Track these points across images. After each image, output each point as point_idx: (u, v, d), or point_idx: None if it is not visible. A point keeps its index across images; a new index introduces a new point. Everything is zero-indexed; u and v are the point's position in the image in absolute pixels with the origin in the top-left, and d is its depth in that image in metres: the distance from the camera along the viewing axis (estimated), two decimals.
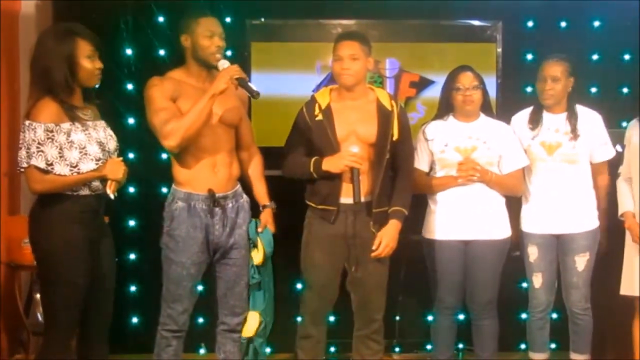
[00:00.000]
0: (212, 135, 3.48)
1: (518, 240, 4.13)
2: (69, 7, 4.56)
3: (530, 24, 4.80)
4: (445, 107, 4.02)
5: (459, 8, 4.77)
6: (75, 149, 3.21)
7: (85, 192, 3.26)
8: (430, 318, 4.28)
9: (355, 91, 3.66)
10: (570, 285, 4.09)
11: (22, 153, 3.17)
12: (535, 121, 4.10)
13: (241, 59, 4.50)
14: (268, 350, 4.48)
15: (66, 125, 3.20)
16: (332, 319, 4.07)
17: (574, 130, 4.04)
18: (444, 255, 3.96)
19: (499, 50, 4.79)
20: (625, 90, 4.82)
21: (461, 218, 3.92)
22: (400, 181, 3.72)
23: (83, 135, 3.24)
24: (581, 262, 4.06)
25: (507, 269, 4.05)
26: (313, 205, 3.71)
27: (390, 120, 3.66)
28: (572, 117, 4.07)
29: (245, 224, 3.61)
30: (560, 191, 4.05)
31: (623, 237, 4.10)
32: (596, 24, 4.80)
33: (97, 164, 3.25)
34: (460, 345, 4.60)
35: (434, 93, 4.47)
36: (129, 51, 4.63)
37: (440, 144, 3.97)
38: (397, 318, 4.76)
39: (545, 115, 4.11)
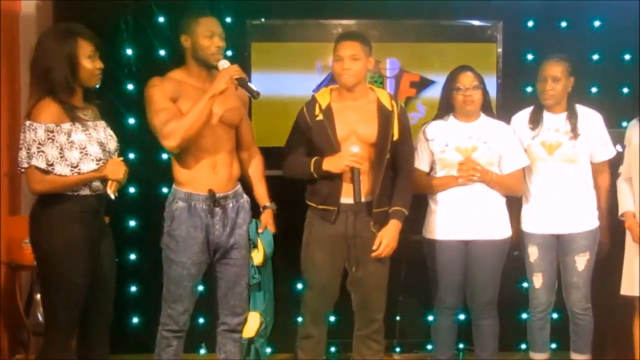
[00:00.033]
0: (212, 135, 3.48)
1: (518, 240, 4.13)
2: (69, 7, 4.56)
3: (530, 24, 4.80)
4: (446, 107, 4.02)
5: (459, 8, 4.77)
6: (76, 149, 3.21)
7: (85, 192, 3.26)
8: (430, 318, 4.28)
9: (356, 91, 3.66)
10: (570, 285, 4.09)
11: (23, 153, 3.17)
12: (535, 121, 4.10)
13: (241, 59, 4.50)
14: (268, 350, 4.50)
15: (67, 126, 3.20)
16: (332, 319, 4.06)
17: (574, 129, 4.05)
18: (445, 255, 3.96)
19: (500, 50, 4.79)
20: (625, 90, 4.82)
21: (461, 218, 3.93)
22: (401, 181, 3.72)
23: (83, 136, 3.24)
24: (581, 262, 4.06)
25: (508, 269, 4.05)
26: (313, 205, 3.71)
27: (391, 120, 3.66)
28: (572, 117, 4.07)
29: (246, 224, 3.61)
30: (561, 191, 4.05)
31: (623, 237, 4.10)
32: (596, 24, 4.80)
33: (97, 164, 3.25)
34: (461, 345, 4.60)
35: (434, 93, 4.47)
36: (129, 51, 4.63)
37: (441, 144, 3.97)
38: (398, 318, 4.76)
39: (546, 115, 4.11)
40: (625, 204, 4.07)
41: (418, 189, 3.90)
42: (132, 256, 4.67)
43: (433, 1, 4.77)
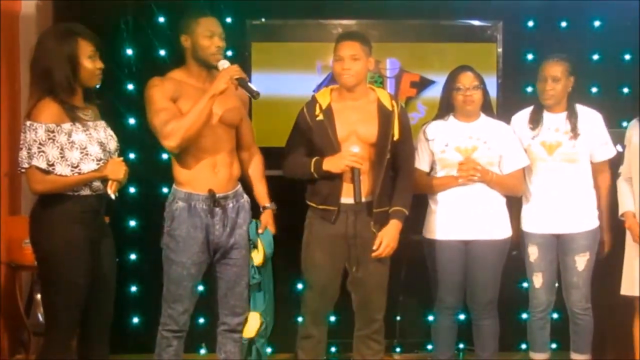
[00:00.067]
0: (212, 135, 3.48)
1: (518, 240, 4.13)
2: (69, 7, 4.56)
3: (530, 24, 4.80)
4: (446, 107, 4.02)
5: (459, 8, 4.77)
6: (76, 150, 3.21)
7: (86, 192, 3.26)
8: (430, 318, 4.28)
9: (356, 91, 3.66)
10: (570, 285, 4.09)
11: (23, 153, 3.17)
12: (535, 121, 4.10)
13: (241, 59, 4.50)
14: (269, 350, 4.50)
15: (67, 126, 3.20)
16: (332, 319, 4.06)
17: (574, 129, 4.05)
18: (445, 255, 3.96)
19: (500, 50, 4.79)
20: (625, 90, 4.82)
21: (462, 218, 3.93)
22: (401, 181, 3.72)
23: (84, 136, 3.24)
24: (581, 261, 4.06)
25: (508, 269, 4.05)
26: (314, 205, 3.71)
27: (391, 120, 3.66)
28: (572, 117, 4.07)
29: (246, 224, 3.61)
30: (561, 191, 4.05)
31: (623, 237, 4.10)
32: (596, 24, 4.80)
33: (98, 164, 3.25)
34: (461, 345, 4.60)
35: (434, 93, 4.47)
36: (129, 51, 4.63)
37: (441, 144, 3.97)
38: (398, 318, 4.76)
39: (546, 114, 4.11)
40: (625, 204, 4.07)
41: (418, 189, 3.90)
42: (133, 256, 4.67)
43: (433, 1, 4.77)
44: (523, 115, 4.17)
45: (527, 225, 4.12)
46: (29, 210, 3.42)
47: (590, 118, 4.11)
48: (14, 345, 4.53)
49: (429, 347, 4.50)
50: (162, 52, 4.60)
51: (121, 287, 3.87)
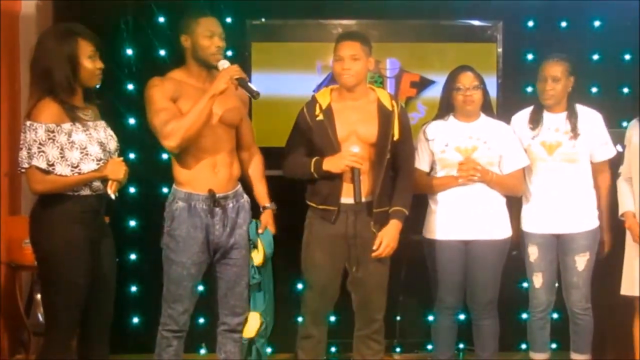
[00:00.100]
0: (212, 135, 3.48)
1: (519, 240, 4.13)
2: (69, 7, 4.56)
3: (530, 23, 4.80)
4: (446, 107, 4.02)
5: (459, 8, 4.77)
6: (76, 150, 3.21)
7: (86, 192, 3.26)
8: (430, 318, 4.28)
9: (356, 91, 3.66)
10: (570, 285, 4.09)
11: (23, 153, 3.17)
12: (535, 121, 4.10)
13: (241, 59, 4.50)
14: (269, 350, 4.50)
15: (67, 126, 3.20)
16: (332, 319, 4.06)
17: (574, 129, 4.05)
18: (445, 255, 3.96)
19: (500, 50, 4.80)
20: (625, 90, 4.82)
21: (462, 218, 3.93)
22: (401, 181, 3.72)
23: (84, 136, 3.24)
24: (581, 261, 4.06)
25: (508, 269, 4.05)
26: (314, 205, 3.71)
27: (391, 120, 3.66)
28: (572, 117, 4.07)
29: (246, 224, 3.61)
30: (561, 191, 4.05)
31: (623, 237, 4.10)
32: (596, 24, 4.80)
33: (98, 164, 3.25)
34: (461, 345, 4.60)
35: (434, 93, 4.47)
36: (129, 51, 4.63)
37: (441, 144, 3.97)
38: (398, 318, 4.76)
39: (546, 114, 4.11)
40: (626, 204, 4.07)
41: (418, 189, 3.90)
42: (133, 256, 4.67)
43: (433, 1, 4.77)
44: (523, 115, 4.17)
45: (527, 225, 4.12)
46: (29, 210, 3.42)
47: (590, 118, 4.11)
48: (14, 345, 4.53)
49: (429, 347, 4.50)
50: (162, 52, 4.60)
51: (121, 287, 3.87)
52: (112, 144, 3.37)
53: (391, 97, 3.74)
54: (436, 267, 3.99)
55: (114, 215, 3.94)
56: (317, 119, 3.66)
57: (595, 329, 4.15)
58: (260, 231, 3.75)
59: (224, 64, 3.44)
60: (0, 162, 4.34)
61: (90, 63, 3.26)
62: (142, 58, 4.63)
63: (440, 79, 4.16)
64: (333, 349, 4.65)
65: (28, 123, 3.17)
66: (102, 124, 3.38)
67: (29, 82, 3.30)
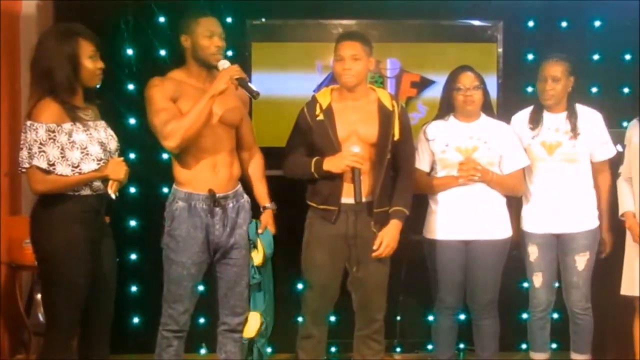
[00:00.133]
0: (212, 135, 3.48)
1: (519, 240, 4.13)
2: (69, 7, 4.56)
3: (530, 23, 4.80)
4: (446, 107, 4.02)
5: (459, 8, 4.77)
6: (77, 149, 3.21)
7: (86, 192, 3.26)
8: (431, 318, 4.28)
9: (357, 91, 3.66)
10: (570, 285, 4.10)
11: (24, 153, 3.17)
12: (535, 121, 4.10)
13: (242, 59, 4.50)
14: (269, 350, 4.50)
15: (67, 126, 3.20)
16: (333, 319, 4.06)
17: (573, 129, 4.05)
18: (445, 255, 3.96)
19: (500, 50, 4.79)
20: (625, 90, 4.82)
21: (462, 218, 3.93)
22: (401, 181, 3.72)
23: (84, 136, 3.24)
24: (581, 261, 4.06)
25: (508, 269, 4.05)
26: (314, 205, 3.71)
27: (392, 120, 3.66)
28: (572, 116, 4.07)
29: (246, 224, 3.61)
30: (561, 190, 4.05)
31: (623, 237, 4.10)
32: (597, 24, 4.80)
33: (98, 164, 3.25)
34: (461, 345, 4.60)
35: (434, 93, 4.47)
36: (129, 51, 4.63)
37: (441, 144, 3.97)
38: (398, 318, 4.76)
39: (545, 114, 4.11)
40: (626, 204, 4.07)
41: (419, 189, 3.90)
42: (133, 256, 4.67)
43: (433, 1, 4.77)
44: (523, 115, 4.17)
45: (527, 225, 4.13)
46: (29, 210, 3.42)
47: (590, 118, 4.11)
48: (15, 345, 4.53)
49: (429, 347, 4.50)
50: (162, 52, 4.60)
51: (121, 287, 3.86)
52: (113, 143, 3.37)
53: (391, 97, 3.74)
54: (436, 267, 3.99)
55: (115, 215, 3.94)
56: (318, 119, 3.66)
57: (595, 329, 4.15)
58: (260, 231, 3.75)
59: (224, 64, 3.44)
60: (1, 162, 4.34)
61: (90, 63, 3.26)
62: (142, 58, 4.63)
63: (441, 79, 4.16)
64: (333, 349, 4.65)
65: (29, 123, 3.17)
66: (102, 123, 3.38)
67: (30, 82, 3.30)
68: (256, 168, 3.74)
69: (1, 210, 4.36)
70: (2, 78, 4.39)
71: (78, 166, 3.21)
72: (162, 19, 4.63)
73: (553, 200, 4.05)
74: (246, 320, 3.72)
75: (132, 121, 4.56)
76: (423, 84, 4.79)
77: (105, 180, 3.28)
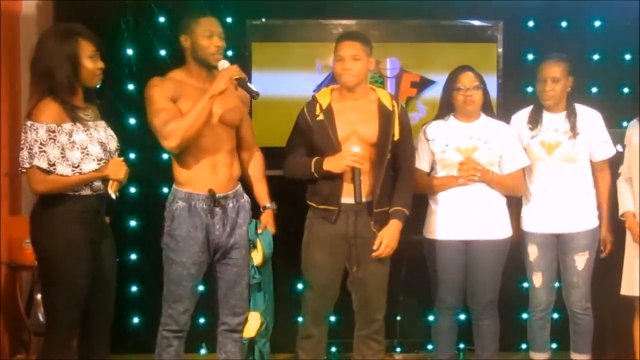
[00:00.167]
0: (212, 135, 3.48)
1: (519, 239, 4.13)
2: (69, 7, 4.56)
3: (530, 23, 4.80)
4: (446, 107, 4.02)
5: (459, 8, 4.77)
6: (77, 149, 3.21)
7: (86, 192, 3.26)
8: (431, 318, 4.28)
9: (357, 91, 3.66)
10: (570, 285, 4.10)
11: (24, 153, 3.17)
12: (534, 121, 4.10)
13: (242, 59, 4.50)
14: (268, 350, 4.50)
15: (68, 126, 3.21)
16: (333, 319, 4.06)
17: (573, 128, 4.05)
18: (445, 255, 3.96)
19: (500, 50, 4.80)
20: (625, 90, 4.82)
21: (462, 218, 3.93)
22: (401, 181, 3.72)
23: (84, 136, 3.24)
24: (581, 261, 4.06)
25: (508, 268, 4.05)
26: (314, 205, 3.71)
27: (392, 120, 3.66)
28: (572, 116, 4.07)
29: (246, 224, 3.61)
30: (560, 190, 4.05)
31: (623, 237, 4.10)
32: (597, 24, 4.80)
33: (98, 164, 3.26)
34: (461, 345, 4.60)
35: (434, 93, 4.47)
36: (129, 51, 4.63)
37: (441, 144, 3.97)
38: (398, 318, 4.76)
39: (545, 114, 4.11)
40: (626, 204, 4.07)
41: (419, 189, 3.90)
42: (133, 256, 4.67)
43: (433, 1, 4.77)
44: (522, 115, 4.17)
45: (527, 225, 4.13)
46: (29, 210, 3.42)
47: (589, 117, 4.11)
48: (15, 345, 4.53)
49: (429, 347, 4.50)
50: (162, 52, 4.60)
51: (121, 287, 3.86)
52: (113, 143, 3.38)
53: (391, 97, 3.74)
54: (436, 267, 3.99)
55: (115, 215, 3.93)
56: (318, 119, 3.66)
57: (595, 329, 4.15)
58: (259, 231, 3.75)
59: (223, 64, 3.44)
60: (1, 162, 4.34)
61: (91, 63, 3.27)
62: (142, 58, 4.63)
63: (441, 79, 4.16)
64: (333, 349, 4.65)
65: (29, 123, 3.17)
66: (102, 123, 3.38)
67: (30, 82, 3.30)
68: (256, 168, 3.74)
69: (1, 210, 4.36)
70: (2, 78, 4.39)
71: (78, 166, 3.21)
72: (162, 19, 4.63)
73: (553, 200, 4.05)
74: (246, 320, 3.72)
75: (132, 121, 4.56)
76: (423, 84, 4.79)
77: (105, 180, 3.28)
